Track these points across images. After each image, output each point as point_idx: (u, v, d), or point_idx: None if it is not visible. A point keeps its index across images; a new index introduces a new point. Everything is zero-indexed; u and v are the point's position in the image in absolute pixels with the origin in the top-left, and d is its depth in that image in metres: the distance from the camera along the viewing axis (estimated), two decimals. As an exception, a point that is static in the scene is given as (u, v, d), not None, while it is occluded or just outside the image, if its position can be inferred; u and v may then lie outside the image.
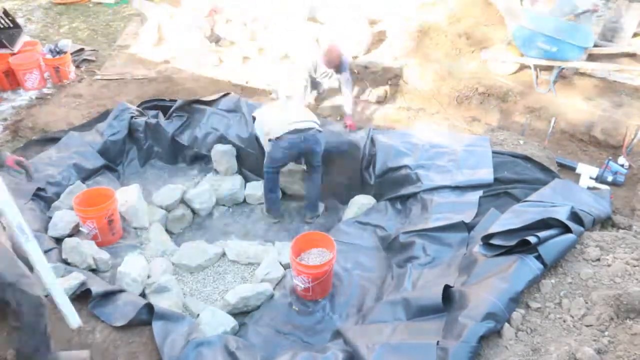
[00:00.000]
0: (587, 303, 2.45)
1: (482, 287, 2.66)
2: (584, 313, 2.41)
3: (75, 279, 3.05)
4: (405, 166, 4.23)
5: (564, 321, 2.42)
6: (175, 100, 5.19)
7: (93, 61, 6.44)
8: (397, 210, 4.18)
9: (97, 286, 3.07)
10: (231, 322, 3.24)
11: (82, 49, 6.58)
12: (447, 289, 2.76)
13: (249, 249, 4.06)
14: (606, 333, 2.27)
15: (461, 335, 2.39)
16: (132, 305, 2.96)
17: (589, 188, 3.98)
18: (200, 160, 5.07)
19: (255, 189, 4.88)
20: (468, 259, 3.09)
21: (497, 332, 2.44)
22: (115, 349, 2.74)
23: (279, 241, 4.25)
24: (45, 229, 3.68)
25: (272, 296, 3.58)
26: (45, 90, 5.61)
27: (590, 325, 2.33)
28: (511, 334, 2.40)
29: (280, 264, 3.84)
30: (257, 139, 4.70)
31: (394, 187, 4.29)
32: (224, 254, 4.08)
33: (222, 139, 4.88)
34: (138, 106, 5.22)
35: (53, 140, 4.73)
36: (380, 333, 2.72)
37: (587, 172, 4.22)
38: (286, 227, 4.63)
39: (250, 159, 4.93)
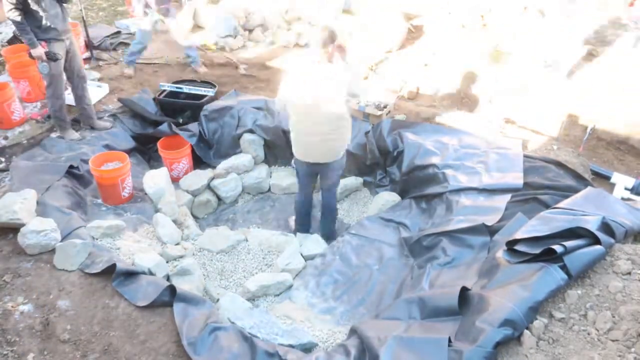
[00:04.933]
0: (614, 317, 2.37)
1: (502, 293, 2.61)
2: (610, 327, 2.34)
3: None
4: (433, 165, 4.18)
5: (589, 334, 2.35)
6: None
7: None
8: (421, 209, 4.14)
9: (123, 265, 3.16)
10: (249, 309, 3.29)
11: (118, 32, 6.71)
12: (464, 290, 2.72)
13: (270, 238, 4.10)
14: (632, 349, 2.19)
15: (477, 340, 2.36)
16: (155, 286, 3.03)
17: (623, 199, 3.84)
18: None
19: (281, 179, 4.91)
20: (490, 263, 3.04)
21: (517, 340, 2.39)
22: (136, 327, 2.82)
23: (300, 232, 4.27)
24: (77, 207, 3.79)
25: (290, 286, 3.62)
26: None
27: (616, 340, 2.26)
28: (532, 342, 2.35)
29: (302, 255, 3.86)
30: (283, 131, 4.74)
31: (420, 185, 4.25)
32: (246, 241, 4.13)
33: (250, 131, 4.96)
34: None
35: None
36: (392, 329, 2.72)
37: (622, 182, 4.07)
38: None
39: (276, 149, 4.98)
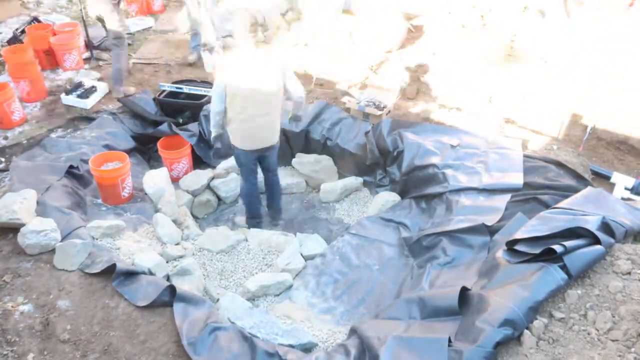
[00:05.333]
0: (614, 317, 2.38)
1: (502, 293, 2.61)
2: (610, 327, 2.34)
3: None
4: (433, 165, 4.18)
5: (589, 334, 2.35)
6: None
7: (129, 45, 6.55)
8: (421, 209, 4.14)
9: (123, 265, 3.15)
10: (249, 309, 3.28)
11: (119, 32, 6.70)
12: (464, 290, 2.72)
13: (270, 238, 4.10)
14: (632, 349, 2.19)
15: (477, 340, 2.36)
16: (155, 286, 3.03)
17: (623, 199, 3.84)
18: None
19: (281, 178, 4.89)
20: (490, 263, 3.04)
21: (517, 340, 2.40)
22: (136, 327, 2.82)
23: (300, 232, 4.27)
24: (77, 207, 3.79)
25: (290, 286, 3.61)
26: (82, 71, 5.76)
27: (616, 340, 2.26)
28: (532, 342, 2.35)
29: (302, 255, 3.86)
30: (282, 131, 4.73)
31: (420, 185, 4.25)
32: (246, 241, 4.12)
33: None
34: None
35: (88, 120, 4.89)
36: (392, 328, 2.72)
37: (622, 182, 4.07)
38: (309, 219, 4.64)
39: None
